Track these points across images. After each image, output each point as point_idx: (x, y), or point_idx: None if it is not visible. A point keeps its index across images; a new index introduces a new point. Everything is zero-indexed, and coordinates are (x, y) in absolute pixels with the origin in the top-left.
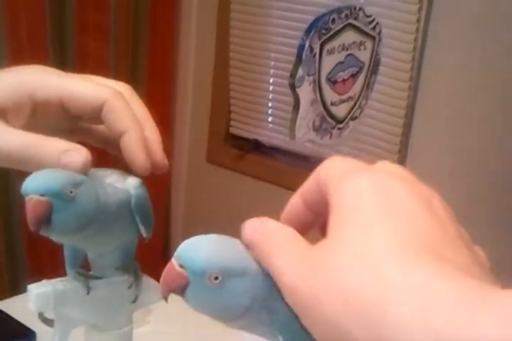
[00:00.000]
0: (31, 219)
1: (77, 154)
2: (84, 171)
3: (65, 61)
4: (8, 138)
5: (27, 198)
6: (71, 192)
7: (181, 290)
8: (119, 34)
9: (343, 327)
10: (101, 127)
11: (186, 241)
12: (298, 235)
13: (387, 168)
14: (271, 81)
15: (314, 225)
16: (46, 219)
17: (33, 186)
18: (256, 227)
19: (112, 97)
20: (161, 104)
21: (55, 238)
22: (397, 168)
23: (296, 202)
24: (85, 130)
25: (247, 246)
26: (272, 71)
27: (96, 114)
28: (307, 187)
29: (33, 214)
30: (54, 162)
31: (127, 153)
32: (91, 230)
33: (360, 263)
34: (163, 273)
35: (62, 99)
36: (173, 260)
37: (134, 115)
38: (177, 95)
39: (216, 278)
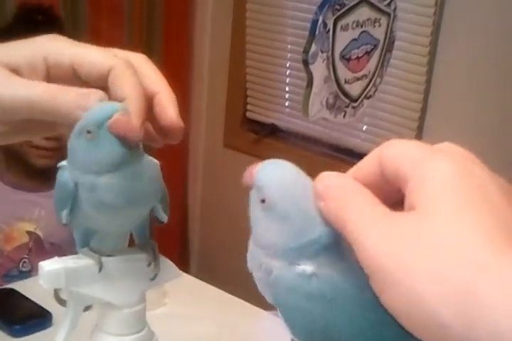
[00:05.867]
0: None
1: (94, 94)
2: None
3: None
4: (32, 85)
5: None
6: None
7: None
8: (133, 15)
9: (429, 302)
10: None
11: (278, 161)
12: (372, 195)
13: (455, 150)
14: (287, 65)
15: None
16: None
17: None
18: (331, 182)
19: (119, 64)
20: (177, 89)
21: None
22: (464, 150)
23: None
24: None
25: (317, 197)
26: (288, 55)
27: (103, 81)
28: (367, 168)
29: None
30: (72, 105)
31: None
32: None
33: (453, 245)
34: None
35: (73, 63)
36: (257, 165)
37: (139, 85)
38: (193, 80)
39: (263, 201)
